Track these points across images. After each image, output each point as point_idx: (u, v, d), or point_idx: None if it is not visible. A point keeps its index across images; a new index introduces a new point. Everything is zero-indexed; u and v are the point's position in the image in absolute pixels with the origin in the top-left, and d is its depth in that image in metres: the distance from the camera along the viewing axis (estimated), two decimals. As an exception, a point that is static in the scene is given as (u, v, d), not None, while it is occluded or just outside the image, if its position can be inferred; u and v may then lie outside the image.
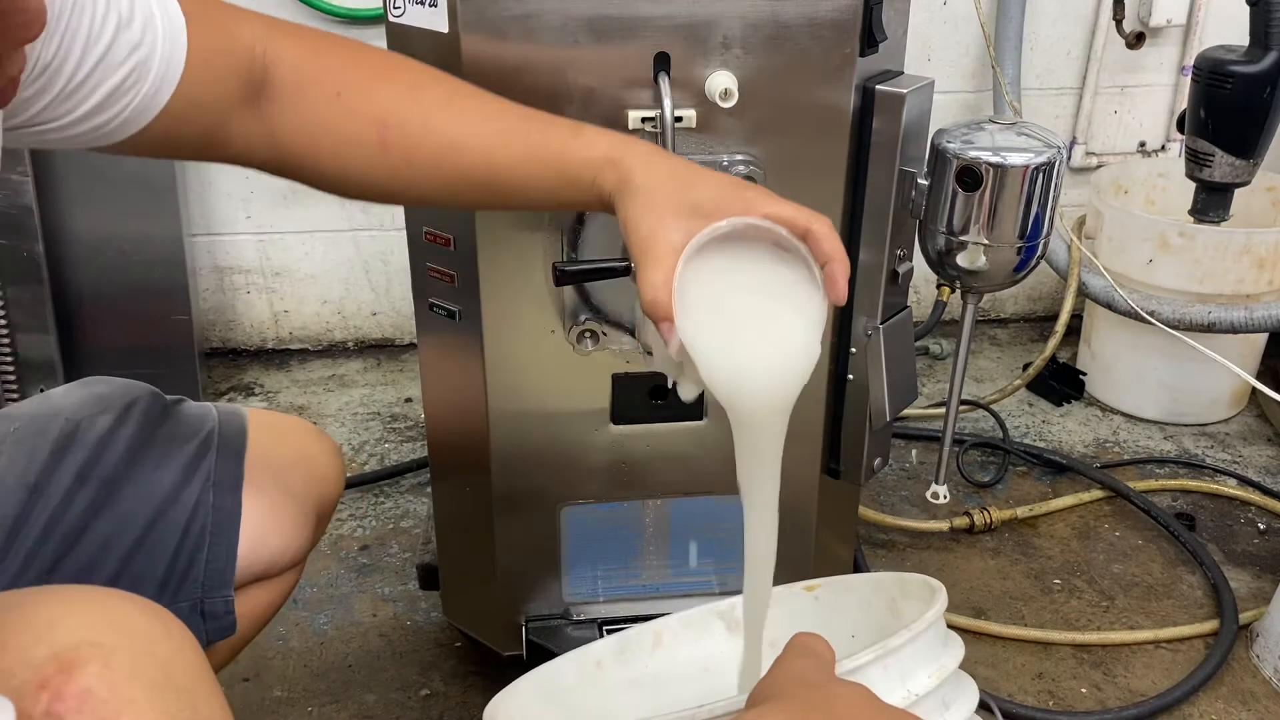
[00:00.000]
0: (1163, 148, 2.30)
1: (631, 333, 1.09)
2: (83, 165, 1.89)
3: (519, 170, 0.85)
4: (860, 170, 1.09)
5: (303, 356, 2.27)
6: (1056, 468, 1.88)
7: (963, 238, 1.07)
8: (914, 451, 1.94)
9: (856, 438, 1.20)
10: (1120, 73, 2.22)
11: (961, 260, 1.08)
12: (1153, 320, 1.79)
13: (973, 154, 1.04)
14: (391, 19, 1.03)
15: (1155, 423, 2.05)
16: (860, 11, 1.01)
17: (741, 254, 0.81)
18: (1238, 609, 1.53)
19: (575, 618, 1.27)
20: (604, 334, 1.10)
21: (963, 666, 0.79)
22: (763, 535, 0.85)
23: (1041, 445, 1.96)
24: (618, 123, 1.01)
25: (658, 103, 1.00)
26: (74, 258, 1.93)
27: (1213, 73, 1.36)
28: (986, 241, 1.06)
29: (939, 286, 2.17)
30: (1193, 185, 1.46)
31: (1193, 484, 1.84)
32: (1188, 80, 1.67)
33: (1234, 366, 1.58)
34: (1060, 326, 1.97)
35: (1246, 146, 1.38)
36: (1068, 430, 2.02)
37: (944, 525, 1.69)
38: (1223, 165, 1.40)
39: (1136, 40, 2.10)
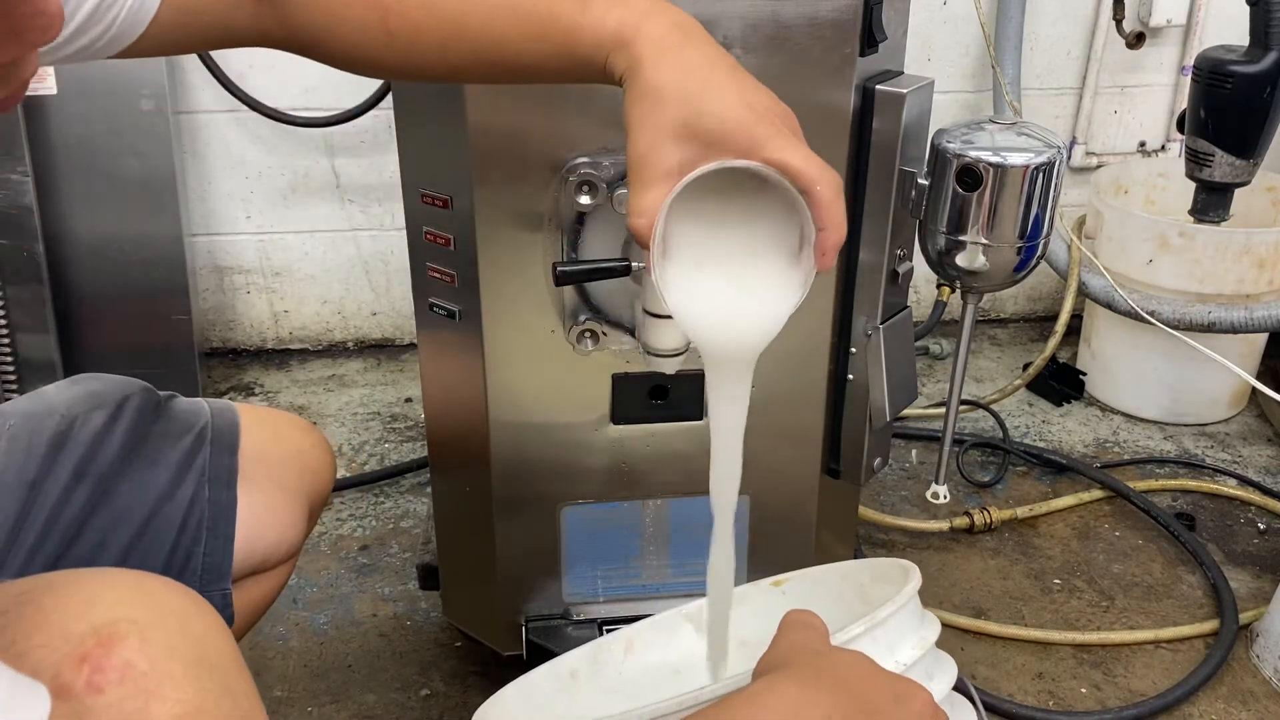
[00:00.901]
0: (1163, 148, 2.30)
1: (631, 333, 1.09)
2: (83, 165, 1.90)
3: (529, 50, 0.78)
4: (860, 170, 1.09)
5: (303, 356, 2.28)
6: (1056, 468, 1.88)
7: (963, 238, 1.07)
8: (914, 451, 1.94)
9: (856, 438, 1.20)
10: (1120, 73, 2.22)
11: (961, 260, 1.08)
12: (1153, 320, 1.79)
13: (973, 154, 1.04)
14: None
15: (1155, 423, 2.05)
16: (860, 11, 1.00)
17: (737, 188, 0.76)
18: (1238, 609, 1.53)
19: (575, 618, 1.27)
20: (604, 334, 1.10)
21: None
22: (728, 480, 0.83)
23: (1041, 445, 1.96)
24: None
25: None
26: (74, 258, 1.93)
27: (1213, 73, 1.36)
28: (986, 241, 1.06)
29: (939, 286, 2.17)
30: (1193, 185, 1.46)
31: (1193, 484, 1.84)
32: (1188, 80, 1.67)
33: (1234, 366, 1.58)
34: (1060, 326, 1.98)
35: (1246, 146, 1.38)
36: (1068, 430, 2.02)
37: (944, 525, 1.69)
38: (1223, 165, 1.40)
39: (1136, 40, 2.10)
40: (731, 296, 0.78)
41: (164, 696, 0.58)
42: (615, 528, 1.24)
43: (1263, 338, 2.04)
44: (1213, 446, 1.98)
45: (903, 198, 1.09)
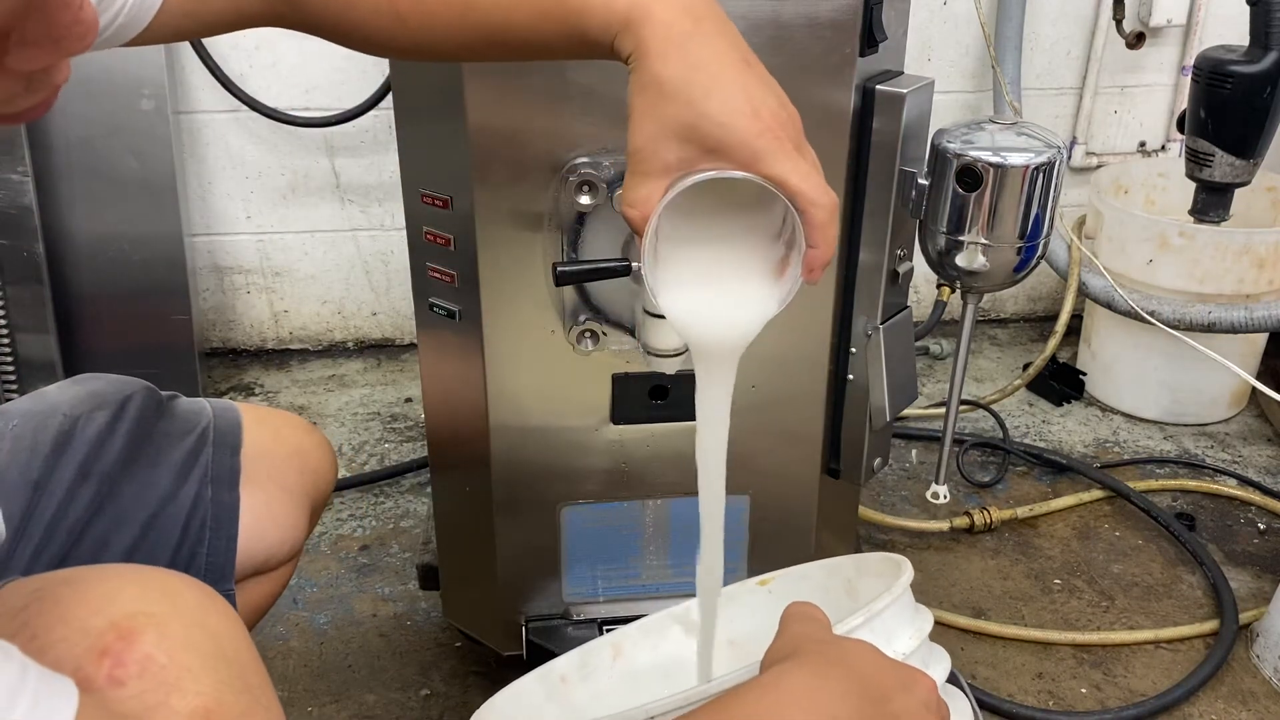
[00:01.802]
0: (1163, 148, 2.30)
1: (632, 333, 1.09)
2: (83, 165, 1.90)
3: (539, 29, 0.78)
4: (860, 170, 1.09)
5: (303, 356, 2.27)
6: (1056, 468, 1.88)
7: (963, 238, 1.07)
8: (914, 451, 1.94)
9: (856, 438, 1.20)
10: (1120, 73, 2.22)
11: (961, 260, 1.08)
12: (1153, 320, 1.79)
13: (973, 154, 1.04)
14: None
15: (1155, 423, 2.05)
16: (860, 11, 1.00)
17: (735, 189, 0.75)
18: (1238, 609, 1.54)
19: (575, 618, 1.27)
20: (604, 334, 1.10)
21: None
22: (714, 478, 0.84)
23: (1041, 445, 1.96)
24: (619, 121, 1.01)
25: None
26: (74, 258, 1.93)
27: (1213, 73, 1.36)
28: (986, 241, 1.06)
29: (939, 286, 2.17)
30: (1193, 185, 1.46)
31: (1193, 484, 1.84)
32: (1188, 80, 1.67)
33: (1234, 366, 1.58)
34: (1060, 326, 1.98)
35: (1246, 146, 1.38)
36: (1068, 430, 2.02)
37: (944, 525, 1.69)
38: (1223, 165, 1.40)
39: (1136, 40, 2.10)
40: (717, 294, 0.78)
41: (184, 689, 0.59)
42: (615, 528, 1.24)
43: (1263, 338, 2.04)
44: (1213, 446, 1.98)
45: (903, 198, 1.09)
